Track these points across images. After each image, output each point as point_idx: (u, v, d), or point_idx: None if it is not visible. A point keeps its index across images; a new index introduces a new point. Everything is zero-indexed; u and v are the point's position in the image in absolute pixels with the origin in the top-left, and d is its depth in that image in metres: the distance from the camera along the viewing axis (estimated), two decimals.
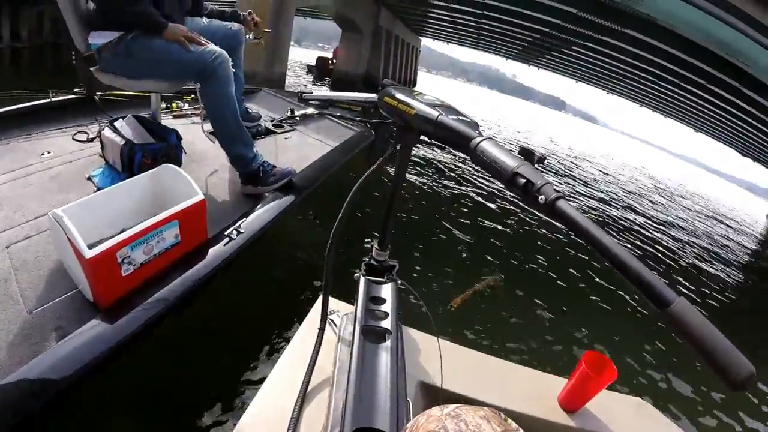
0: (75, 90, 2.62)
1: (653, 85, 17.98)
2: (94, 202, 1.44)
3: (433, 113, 0.69)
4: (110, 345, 1.21)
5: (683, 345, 0.40)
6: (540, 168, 0.57)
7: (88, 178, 1.95)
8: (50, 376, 1.10)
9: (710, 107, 16.49)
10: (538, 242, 5.80)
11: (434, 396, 1.06)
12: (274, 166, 2.09)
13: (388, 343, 0.89)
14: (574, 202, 8.78)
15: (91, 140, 2.27)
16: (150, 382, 2.05)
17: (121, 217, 1.38)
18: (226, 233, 1.70)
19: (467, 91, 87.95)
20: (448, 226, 5.47)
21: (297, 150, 2.70)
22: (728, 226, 14.55)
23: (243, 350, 2.44)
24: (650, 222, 9.53)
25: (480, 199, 7.11)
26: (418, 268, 3.86)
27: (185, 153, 2.15)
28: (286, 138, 2.89)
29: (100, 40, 1.80)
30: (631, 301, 4.40)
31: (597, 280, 4.79)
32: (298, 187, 2.13)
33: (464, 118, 0.69)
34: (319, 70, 23.51)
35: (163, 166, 1.63)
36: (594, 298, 4.44)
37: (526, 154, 0.57)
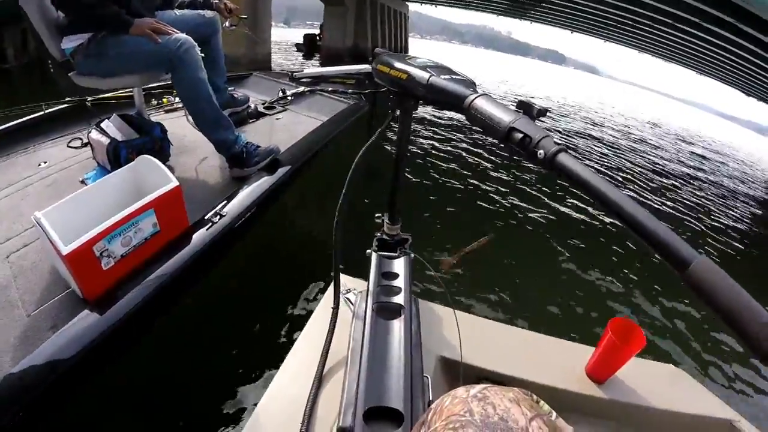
0: (67, 99, 2.70)
1: (648, 29, 17.54)
2: (75, 201, 1.47)
3: (425, 75, 0.68)
4: (100, 334, 1.27)
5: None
6: (541, 122, 0.54)
7: (82, 181, 2.02)
8: (45, 367, 1.17)
9: (708, 47, 16.05)
10: (543, 198, 5.64)
11: (454, 370, 1.04)
12: (258, 146, 2.11)
13: (402, 318, 0.88)
14: (579, 157, 8.51)
15: (85, 145, 2.33)
16: (165, 369, 2.14)
17: (105, 213, 1.36)
18: (207, 218, 1.72)
19: (463, 53, 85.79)
20: (441, 186, 5.44)
21: (288, 129, 2.70)
22: (741, 171, 14.20)
23: (260, 334, 2.52)
24: (658, 171, 9.32)
25: (477, 158, 7.04)
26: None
27: (172, 145, 2.21)
28: (277, 119, 2.90)
29: (71, 44, 1.88)
30: (654, 259, 4.12)
31: (614, 236, 4.61)
32: (284, 163, 2.15)
33: (458, 77, 0.67)
34: (308, 48, 23.28)
35: (140, 157, 1.65)
36: (613, 258, 4.26)
37: (525, 107, 0.55)
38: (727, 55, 16.09)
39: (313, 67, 3.17)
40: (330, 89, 3.04)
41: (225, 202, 1.80)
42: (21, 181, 2.06)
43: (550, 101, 18.35)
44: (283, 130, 2.70)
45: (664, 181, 8.61)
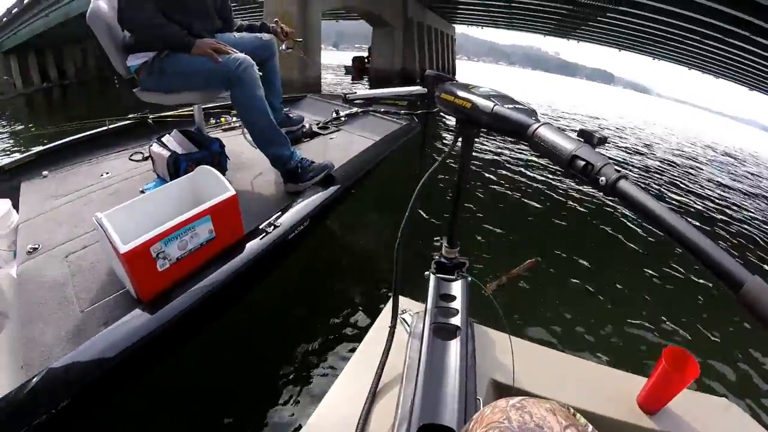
0: (129, 116, 2.85)
1: (697, 45, 17.17)
2: (135, 206, 1.52)
3: (489, 104, 0.70)
4: (150, 332, 1.29)
5: None
6: (600, 150, 0.55)
7: (142, 191, 2.10)
8: (94, 359, 1.19)
9: (759, 60, 15.62)
10: (595, 222, 5.56)
11: (506, 394, 0.99)
12: (313, 162, 2.13)
13: (458, 340, 0.90)
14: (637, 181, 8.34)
15: (146, 159, 2.42)
16: (215, 377, 2.21)
17: (161, 218, 1.41)
18: (261, 228, 1.74)
19: (510, 74, 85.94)
20: (491, 208, 5.41)
21: (342, 148, 2.72)
22: None
23: (314, 350, 2.55)
24: (713, 195, 8.85)
25: (526, 179, 6.98)
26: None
27: (229, 160, 2.27)
28: (331, 138, 2.94)
29: (136, 62, 1.99)
30: (707, 287, 4.05)
31: (668, 264, 4.44)
32: (337, 180, 2.17)
33: (520, 107, 0.69)
34: (357, 70, 23.64)
35: (199, 168, 1.71)
36: (667, 285, 4.11)
37: (586, 136, 0.57)
38: None
39: (366, 89, 3.16)
40: (382, 110, 3.10)
41: (279, 213, 1.83)
42: (84, 189, 2.18)
43: (596, 124, 17.90)
44: (337, 148, 2.74)
45: (719, 203, 8.20)
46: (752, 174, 13.38)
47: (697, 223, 6.20)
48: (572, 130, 0.64)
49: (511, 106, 0.69)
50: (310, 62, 12.54)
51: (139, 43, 1.97)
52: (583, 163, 0.52)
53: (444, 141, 8.75)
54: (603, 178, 0.50)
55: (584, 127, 0.56)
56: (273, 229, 1.73)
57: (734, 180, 11.29)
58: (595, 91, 70.92)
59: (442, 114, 0.90)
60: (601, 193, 0.51)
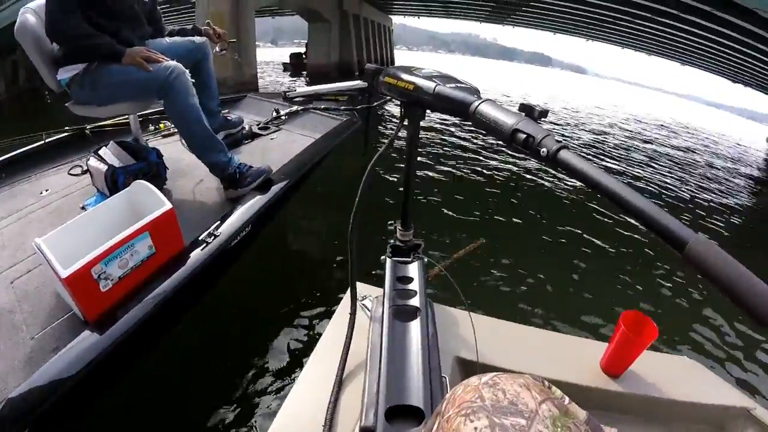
0: (66, 128, 2.76)
1: (627, 25, 17.81)
2: (74, 227, 1.51)
3: (431, 85, 0.70)
4: (101, 353, 1.29)
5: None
6: (542, 123, 0.56)
7: (83, 207, 2.06)
8: (50, 385, 1.20)
9: (688, 37, 16.17)
10: (546, 196, 5.73)
11: (471, 370, 1.03)
12: (250, 167, 2.12)
13: (418, 320, 0.90)
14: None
15: (85, 172, 2.35)
16: (184, 380, 2.24)
17: (103, 237, 1.40)
18: (201, 239, 1.74)
19: (450, 62, 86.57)
20: (441, 189, 5.51)
21: (282, 148, 2.72)
22: (730, 157, 14.26)
23: (279, 344, 2.58)
24: (652, 162, 9.44)
25: (477, 159, 7.15)
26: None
27: (168, 169, 2.25)
28: (272, 139, 2.92)
29: (66, 75, 1.94)
30: (654, 250, 4.23)
31: (616, 232, 4.64)
32: (277, 182, 2.17)
33: (462, 85, 0.70)
34: (294, 67, 23.51)
35: (135, 183, 1.70)
36: (617, 251, 4.29)
37: (527, 109, 0.58)
38: (709, 44, 16.26)
39: (306, 86, 3.19)
40: (323, 107, 3.09)
41: (219, 222, 1.84)
42: (24, 209, 2.12)
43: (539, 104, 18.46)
44: (277, 149, 2.73)
45: (660, 169, 8.78)
46: (670, 141, 14.29)
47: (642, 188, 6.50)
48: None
49: (453, 85, 0.69)
50: (244, 62, 12.33)
51: (68, 55, 1.94)
52: (524, 136, 0.53)
53: (390, 131, 8.81)
54: (544, 150, 0.51)
55: (524, 101, 0.58)
56: (213, 239, 1.74)
57: (669, 148, 12.02)
58: (534, 74, 72.62)
59: (384, 108, 0.92)
60: (544, 164, 0.53)
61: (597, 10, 16.57)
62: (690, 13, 11.98)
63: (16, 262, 1.74)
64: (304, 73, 22.26)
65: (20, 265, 1.72)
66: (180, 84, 1.92)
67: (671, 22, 14.16)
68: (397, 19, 37.03)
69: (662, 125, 19.68)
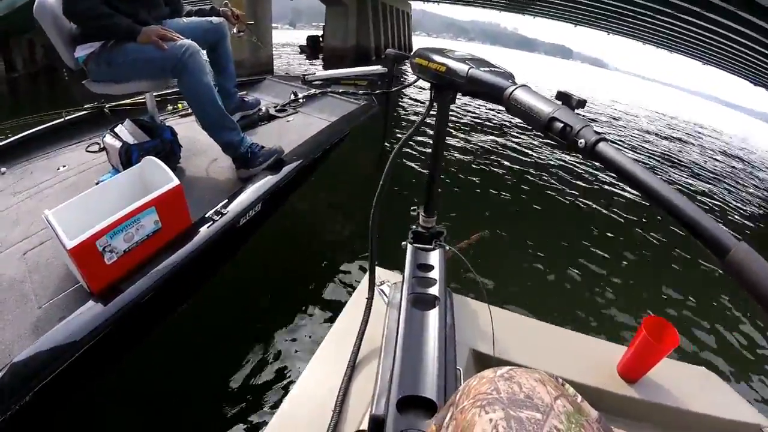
0: (85, 106, 2.81)
1: (650, 20, 17.48)
2: (83, 200, 1.55)
3: (464, 68, 0.68)
4: (103, 322, 1.33)
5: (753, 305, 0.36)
6: (579, 113, 0.53)
7: (97, 183, 2.07)
8: (53, 352, 1.23)
9: (711, 36, 15.78)
10: (575, 191, 5.54)
11: (486, 364, 1.00)
12: (263, 147, 2.14)
13: (436, 310, 0.88)
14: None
15: (102, 149, 2.39)
16: (198, 357, 2.30)
17: (111, 212, 1.43)
18: (208, 216, 1.76)
19: (469, 50, 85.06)
20: (463, 177, 5.42)
21: (297, 130, 2.72)
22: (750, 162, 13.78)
23: (293, 325, 2.61)
24: (675, 163, 9.20)
25: (503, 148, 7.00)
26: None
27: (182, 147, 2.30)
28: (288, 121, 2.93)
29: (83, 52, 1.98)
30: (687, 255, 4.07)
31: (649, 233, 4.47)
32: (289, 163, 2.19)
33: (497, 69, 0.67)
34: (311, 49, 23.53)
35: (146, 159, 1.72)
36: (647, 253, 4.15)
37: (564, 98, 0.54)
38: (732, 45, 15.80)
39: (326, 70, 3.19)
40: (341, 91, 3.07)
41: (227, 201, 1.86)
42: (41, 184, 2.19)
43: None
44: (293, 131, 2.73)
45: (683, 172, 8.59)
46: (688, 144, 13.86)
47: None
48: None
49: (486, 69, 0.67)
50: (261, 45, 12.33)
51: (85, 34, 1.97)
52: (561, 125, 0.51)
53: (410, 118, 8.81)
54: (582, 141, 0.49)
55: (563, 89, 0.55)
56: (220, 217, 1.75)
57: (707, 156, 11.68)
58: (555, 66, 71.14)
59: (402, 93, 0.89)
60: (580, 156, 0.50)
61: (618, 3, 16.24)
62: (713, 11, 11.74)
63: (30, 234, 1.80)
64: (321, 56, 22.19)
65: (33, 237, 1.78)
66: (194, 63, 1.94)
67: (693, 20, 13.77)
68: (416, 5, 36.58)
69: (685, 124, 19.34)
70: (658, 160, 9.25)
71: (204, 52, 2.20)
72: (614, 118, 14.93)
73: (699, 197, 6.94)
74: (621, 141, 10.63)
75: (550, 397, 0.41)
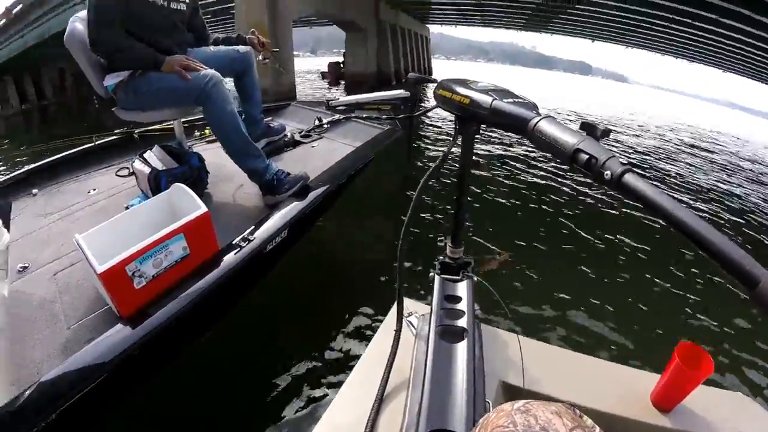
0: (115, 131, 2.91)
1: (665, 30, 17.31)
2: (113, 225, 1.58)
3: (488, 99, 0.68)
4: (131, 346, 1.34)
5: None
6: (605, 142, 0.53)
7: (126, 207, 2.12)
8: (80, 373, 1.24)
9: (728, 42, 15.60)
10: (602, 217, 5.44)
11: (516, 396, 0.98)
12: (288, 174, 2.15)
13: (464, 342, 0.88)
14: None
15: (131, 174, 2.43)
16: (221, 387, 2.29)
17: (140, 237, 1.45)
18: (235, 242, 1.77)
19: (488, 71, 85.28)
20: (488, 202, 5.37)
21: (322, 156, 2.72)
22: None
23: (320, 357, 2.59)
24: (695, 183, 8.60)
25: (529, 175, 6.91)
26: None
27: (209, 173, 2.33)
28: (313, 146, 2.95)
29: (112, 81, 2.03)
30: (719, 281, 3.91)
31: (680, 258, 4.31)
32: (314, 189, 2.18)
33: (520, 100, 0.67)
34: (332, 75, 23.89)
35: (174, 186, 1.76)
36: (678, 279, 3.97)
37: (589, 128, 0.54)
38: (751, 50, 15.56)
39: (345, 95, 3.24)
40: (365, 116, 3.07)
41: (253, 227, 1.87)
42: (72, 206, 2.25)
43: (577, 115, 18.02)
44: (318, 157, 2.73)
45: (714, 188, 8.25)
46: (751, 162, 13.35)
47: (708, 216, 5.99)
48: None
49: (510, 100, 0.67)
50: (284, 71, 12.56)
51: (112, 63, 2.04)
52: (586, 156, 0.50)
53: (433, 142, 8.82)
54: (608, 172, 0.48)
55: (584, 119, 0.57)
56: (247, 243, 1.76)
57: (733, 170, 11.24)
58: (574, 83, 70.69)
59: (424, 117, 0.90)
60: (606, 188, 0.49)
61: (634, 16, 16.18)
62: (729, 17, 11.60)
63: (60, 255, 1.84)
64: (342, 82, 22.55)
65: (64, 258, 1.82)
66: (217, 92, 1.97)
67: (710, 27, 13.66)
68: (434, 28, 37.06)
69: (707, 133, 18.97)
70: (682, 172, 9.09)
71: (230, 80, 2.25)
72: (635, 134, 14.62)
73: (728, 214, 6.70)
74: (643, 156, 10.44)
75: (565, 429, 0.42)
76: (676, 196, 6.99)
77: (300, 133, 3.10)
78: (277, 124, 2.91)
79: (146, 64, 1.99)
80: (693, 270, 4.12)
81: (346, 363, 2.53)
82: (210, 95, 1.96)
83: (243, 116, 2.36)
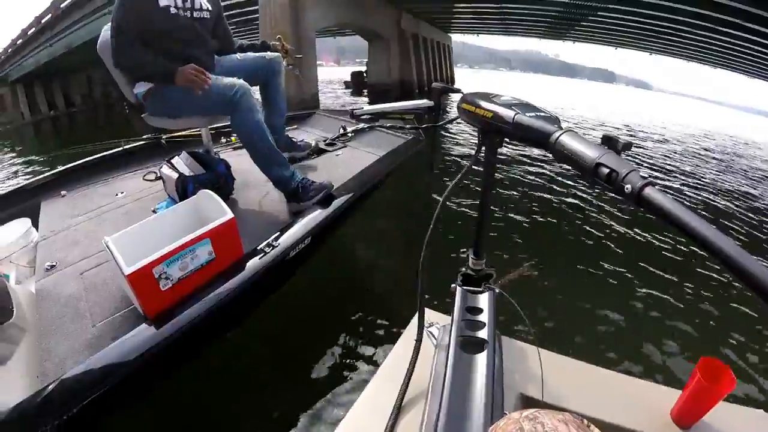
0: (144, 137, 2.97)
1: (689, 35, 17.04)
2: (141, 229, 1.61)
3: (510, 114, 0.69)
4: (155, 346, 1.36)
5: None
6: (626, 156, 0.53)
7: (153, 211, 2.19)
8: (104, 370, 1.26)
9: (753, 47, 15.43)
10: (625, 230, 5.25)
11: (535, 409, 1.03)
12: (313, 182, 2.16)
13: (485, 353, 0.88)
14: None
15: (159, 179, 2.47)
16: (237, 393, 2.28)
17: (167, 241, 1.48)
18: (260, 248, 1.78)
19: (511, 80, 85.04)
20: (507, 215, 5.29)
21: (346, 164, 2.74)
22: None
23: (340, 364, 2.59)
24: (728, 188, 8.45)
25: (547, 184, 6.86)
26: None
27: (235, 180, 2.35)
28: (337, 155, 2.97)
29: (141, 89, 2.09)
30: (743, 295, 3.71)
31: (702, 273, 4.19)
32: (338, 197, 2.19)
33: (543, 114, 0.67)
34: (355, 85, 24.05)
35: (201, 192, 1.79)
36: (701, 293, 3.85)
37: (610, 142, 0.54)
38: None
39: (368, 104, 3.29)
40: (388, 125, 3.02)
41: (278, 234, 1.88)
42: (99, 208, 2.30)
43: (602, 126, 17.72)
44: (342, 165, 2.75)
45: (738, 199, 7.90)
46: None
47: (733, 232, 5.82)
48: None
49: (532, 114, 0.67)
50: (303, 81, 12.66)
51: (135, 78, 2.11)
52: (607, 170, 0.50)
53: (455, 153, 8.80)
54: (628, 186, 0.48)
55: (606, 132, 0.55)
56: (271, 249, 1.77)
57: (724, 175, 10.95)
58: (598, 90, 69.75)
59: (447, 128, 0.91)
60: (628, 202, 0.49)
61: (657, 22, 15.98)
62: (753, 21, 11.41)
63: (88, 255, 1.89)
64: (365, 91, 22.70)
65: (92, 258, 1.86)
66: (245, 102, 2.00)
67: (733, 32, 13.45)
68: (456, 37, 37.08)
69: (731, 141, 18.54)
70: (707, 181, 8.86)
71: (256, 88, 2.28)
72: (658, 141, 14.32)
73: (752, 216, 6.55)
74: (663, 165, 10.18)
75: None
76: (703, 207, 6.88)
77: (325, 141, 3.13)
78: (302, 141, 2.89)
79: (163, 79, 2.03)
80: (716, 285, 4.02)
81: (366, 371, 2.53)
82: (238, 105, 1.99)
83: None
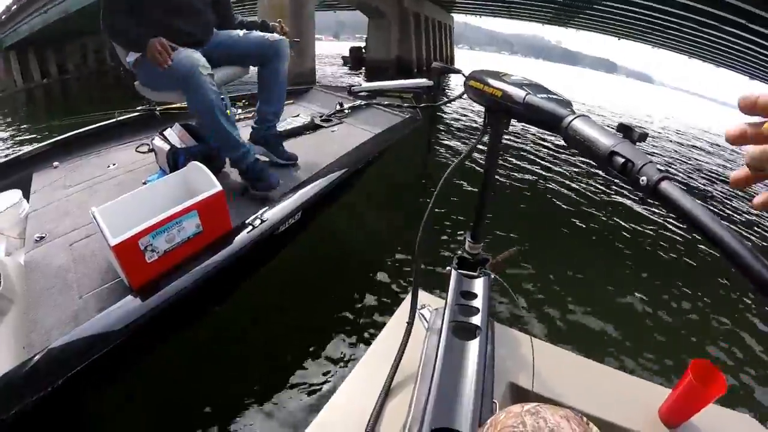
0: (138, 108, 2.95)
1: (693, 32, 17.00)
2: (129, 200, 1.61)
3: (521, 93, 0.65)
4: (140, 317, 1.37)
5: None
6: (641, 146, 0.50)
7: (144, 183, 2.17)
8: (89, 341, 1.27)
9: (757, 49, 15.46)
10: (625, 225, 5.19)
11: (524, 398, 1.00)
12: (271, 174, 2.12)
13: (477, 340, 0.86)
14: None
15: (151, 150, 2.45)
16: (227, 367, 2.29)
17: (155, 212, 1.47)
18: (248, 222, 1.77)
19: (512, 64, 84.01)
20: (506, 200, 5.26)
21: (341, 141, 2.71)
22: None
23: (328, 342, 2.58)
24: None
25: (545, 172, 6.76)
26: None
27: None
28: (333, 131, 2.95)
29: (131, 58, 2.07)
30: (743, 300, 3.80)
31: (704, 274, 4.16)
32: (328, 174, 2.17)
33: (555, 97, 0.64)
34: (354, 60, 23.79)
35: (191, 164, 1.78)
36: (701, 294, 3.81)
37: (625, 131, 0.50)
38: None
39: (366, 81, 3.23)
40: (386, 103, 3.05)
41: (267, 208, 1.87)
42: (91, 180, 2.30)
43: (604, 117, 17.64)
44: (337, 141, 2.73)
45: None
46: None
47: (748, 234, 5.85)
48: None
49: (544, 95, 0.64)
50: (299, 62, 12.54)
51: (119, 45, 2.08)
52: (622, 160, 0.47)
53: (454, 134, 8.69)
54: (644, 178, 0.45)
55: (622, 120, 0.52)
56: (260, 224, 1.77)
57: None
58: (599, 80, 68.87)
59: (446, 108, 0.85)
60: (641, 194, 0.47)
61: (662, 16, 15.89)
62: (757, 22, 11.38)
63: (78, 226, 1.90)
64: (363, 67, 22.48)
65: (81, 230, 1.87)
66: (195, 82, 1.89)
67: (738, 32, 13.46)
68: (458, 18, 36.60)
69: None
70: (713, 179, 8.90)
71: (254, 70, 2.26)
72: (662, 137, 14.36)
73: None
74: (669, 161, 10.21)
75: None
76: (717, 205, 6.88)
77: (321, 117, 3.12)
78: (291, 153, 2.52)
79: (137, 49, 2.00)
80: (715, 285, 4.03)
81: (355, 351, 2.54)
82: (189, 82, 1.89)
83: (254, 115, 2.36)
